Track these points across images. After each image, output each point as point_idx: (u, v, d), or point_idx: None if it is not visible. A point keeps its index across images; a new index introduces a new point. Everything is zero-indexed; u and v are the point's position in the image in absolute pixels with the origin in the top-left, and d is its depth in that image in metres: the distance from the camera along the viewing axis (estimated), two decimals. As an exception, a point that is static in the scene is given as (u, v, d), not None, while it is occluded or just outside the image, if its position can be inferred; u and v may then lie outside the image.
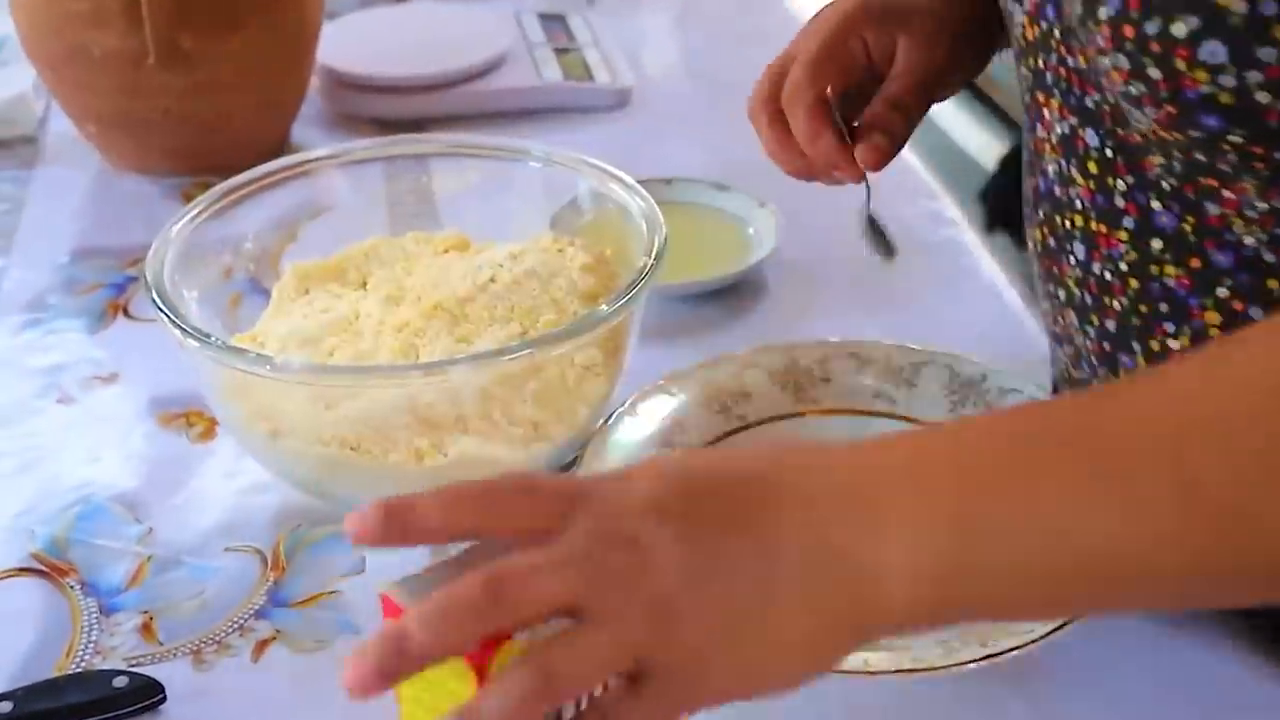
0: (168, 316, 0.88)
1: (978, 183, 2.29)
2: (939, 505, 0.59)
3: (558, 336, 0.87)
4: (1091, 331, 0.83)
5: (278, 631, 0.88)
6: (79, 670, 0.85)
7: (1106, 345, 0.82)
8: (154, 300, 0.89)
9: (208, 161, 1.31)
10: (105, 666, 0.85)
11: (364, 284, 1.03)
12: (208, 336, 0.86)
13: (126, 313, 1.17)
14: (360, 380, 0.88)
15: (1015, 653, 0.78)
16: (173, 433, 1.05)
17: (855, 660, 0.79)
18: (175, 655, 0.86)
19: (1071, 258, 0.82)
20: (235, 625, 0.88)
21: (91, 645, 0.87)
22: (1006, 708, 0.82)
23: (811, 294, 1.19)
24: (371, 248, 1.05)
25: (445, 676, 0.63)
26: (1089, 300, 0.82)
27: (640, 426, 0.95)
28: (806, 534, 0.59)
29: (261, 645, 0.87)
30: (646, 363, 0.99)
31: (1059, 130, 0.81)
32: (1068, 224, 0.82)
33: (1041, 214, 0.85)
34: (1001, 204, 1.35)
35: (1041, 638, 0.79)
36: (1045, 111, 0.82)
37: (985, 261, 1.24)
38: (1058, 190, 0.82)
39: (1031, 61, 0.82)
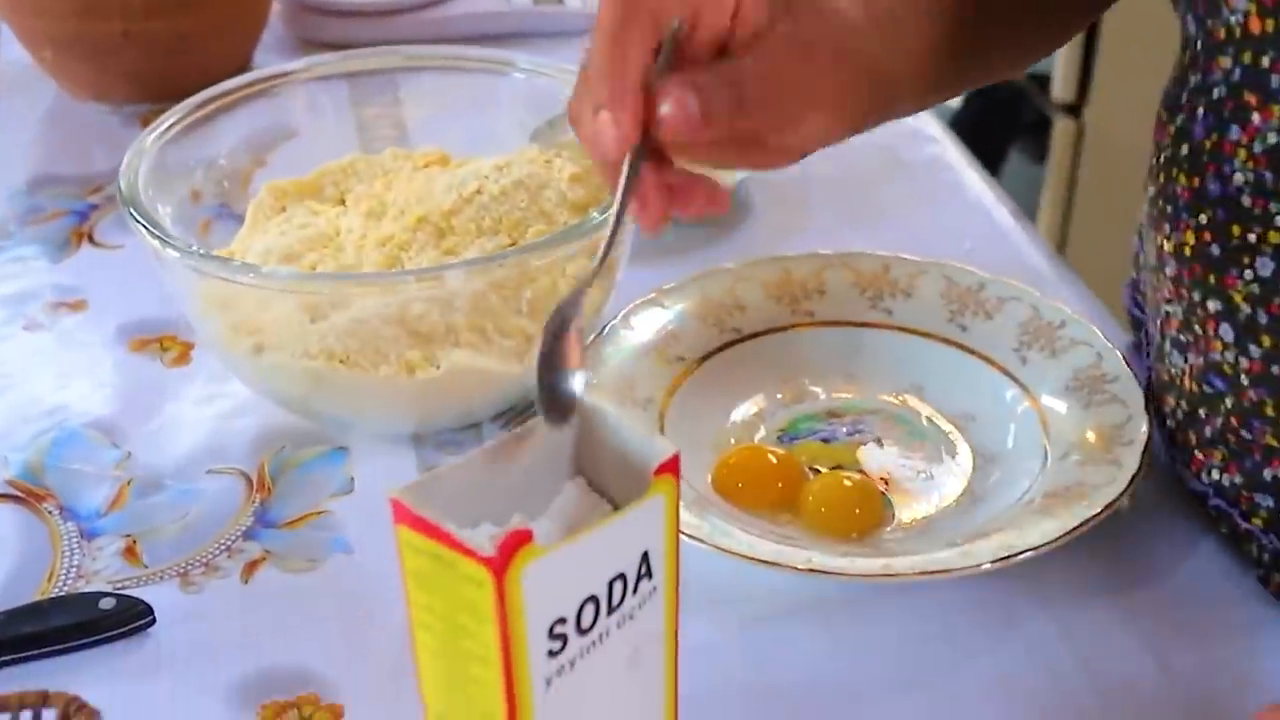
0: (145, 227, 0.84)
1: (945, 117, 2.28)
2: None
3: (551, 242, 0.84)
4: (1256, 350, 0.76)
5: (267, 552, 0.85)
6: (62, 594, 0.82)
7: (1276, 369, 0.76)
8: (130, 213, 0.86)
9: (167, 87, 1.26)
10: (90, 590, 0.82)
11: (342, 201, 1.00)
12: (189, 246, 0.83)
13: (91, 239, 1.14)
14: (350, 288, 0.85)
15: (1031, 554, 0.77)
16: (146, 358, 1.01)
17: (875, 564, 0.77)
18: (162, 578, 0.83)
19: (1248, 272, 0.74)
20: (223, 547, 0.85)
21: (74, 570, 0.83)
22: (1020, 612, 0.80)
23: (797, 213, 1.17)
24: (349, 164, 1.02)
25: (460, 582, 0.61)
26: (1263, 320, 0.75)
27: (634, 339, 0.93)
28: None
29: (251, 566, 0.84)
30: (634, 283, 0.96)
31: (1271, 139, 0.72)
32: (1251, 237, 0.74)
33: (1205, 218, 0.76)
34: (967, 135, 1.32)
35: (1057, 540, 0.77)
36: (1255, 115, 0.73)
37: (970, 177, 1.22)
38: (1246, 200, 0.74)
39: (1248, 57, 0.73)
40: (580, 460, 0.69)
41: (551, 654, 0.63)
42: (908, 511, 0.86)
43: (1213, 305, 0.77)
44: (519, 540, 0.59)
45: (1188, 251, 0.77)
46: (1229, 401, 0.78)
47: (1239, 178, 0.74)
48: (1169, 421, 0.85)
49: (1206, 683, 0.77)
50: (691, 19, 0.68)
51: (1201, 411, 0.81)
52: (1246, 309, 0.75)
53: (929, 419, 0.92)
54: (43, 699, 0.65)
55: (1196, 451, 0.82)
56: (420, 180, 0.96)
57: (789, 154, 0.75)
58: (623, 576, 0.65)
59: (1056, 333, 0.92)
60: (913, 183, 1.20)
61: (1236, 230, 0.74)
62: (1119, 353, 0.90)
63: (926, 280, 0.97)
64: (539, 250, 0.84)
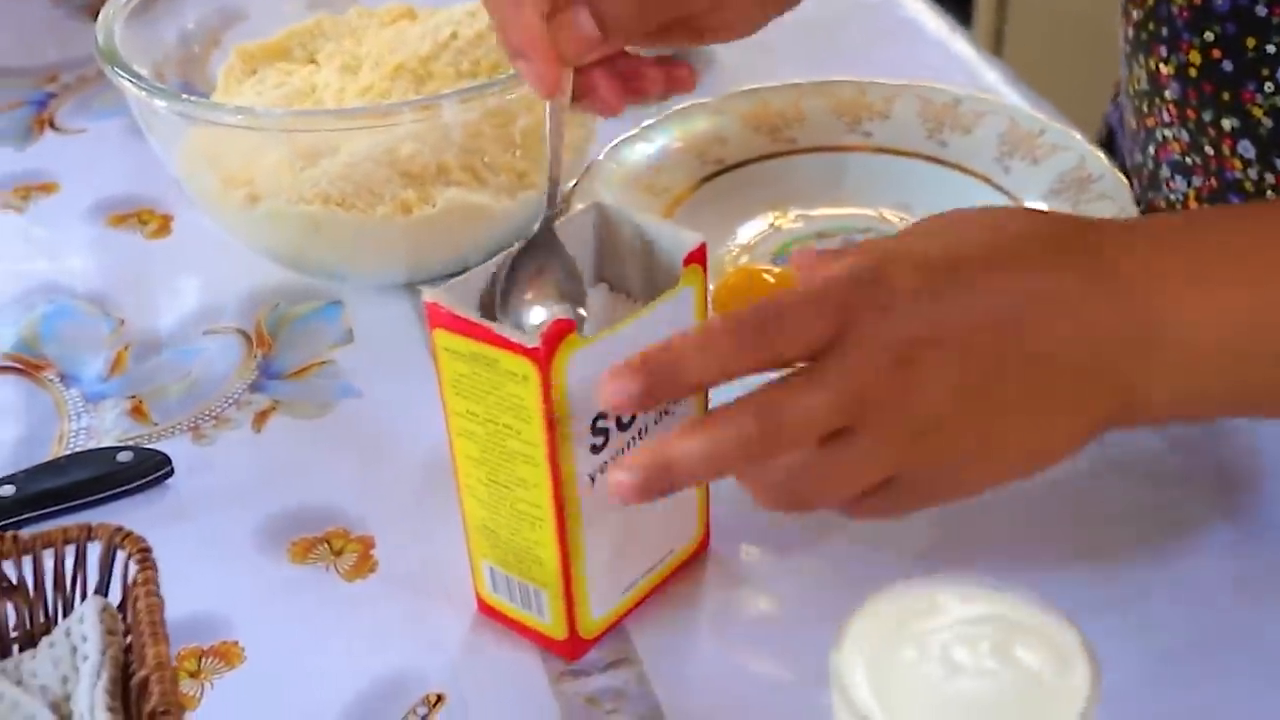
0: (130, 79, 0.83)
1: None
2: (1214, 312, 0.59)
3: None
4: None
5: (276, 402, 0.85)
6: (76, 451, 0.81)
7: None
8: (114, 71, 0.85)
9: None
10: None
11: (312, 60, 0.99)
12: (178, 95, 0.82)
13: (53, 125, 1.12)
14: (348, 124, 0.84)
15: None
16: (125, 232, 1.00)
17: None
18: (173, 432, 0.83)
19: (1268, 84, 0.74)
20: (230, 400, 0.85)
21: (83, 431, 0.83)
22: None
23: (759, 58, 1.16)
24: (315, 24, 1.01)
25: (503, 380, 0.61)
26: None
27: (620, 173, 0.93)
28: (1081, 348, 0.58)
29: (261, 415, 0.84)
30: (610, 125, 0.96)
31: None
32: (1270, 48, 0.74)
33: (1211, 35, 0.76)
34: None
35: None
36: None
37: (927, 15, 1.22)
38: (1260, 9, 0.74)
39: None
40: (601, 268, 0.70)
41: (594, 449, 0.64)
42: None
43: (1228, 123, 0.76)
44: (562, 329, 0.60)
45: (1193, 71, 0.77)
46: None
47: None
48: None
49: (1214, 452, 0.79)
50: None
51: None
52: (1269, 122, 0.75)
53: (919, 232, 0.93)
54: (87, 532, 0.65)
55: None
56: (391, 33, 0.96)
57: (735, 29, 0.74)
58: (660, 370, 0.65)
59: (1037, 140, 0.94)
60: (873, 22, 1.20)
61: (1252, 42, 0.74)
62: (1100, 153, 0.91)
63: (902, 101, 0.98)
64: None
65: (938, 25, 1.21)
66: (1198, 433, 0.80)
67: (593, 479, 0.64)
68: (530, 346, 0.60)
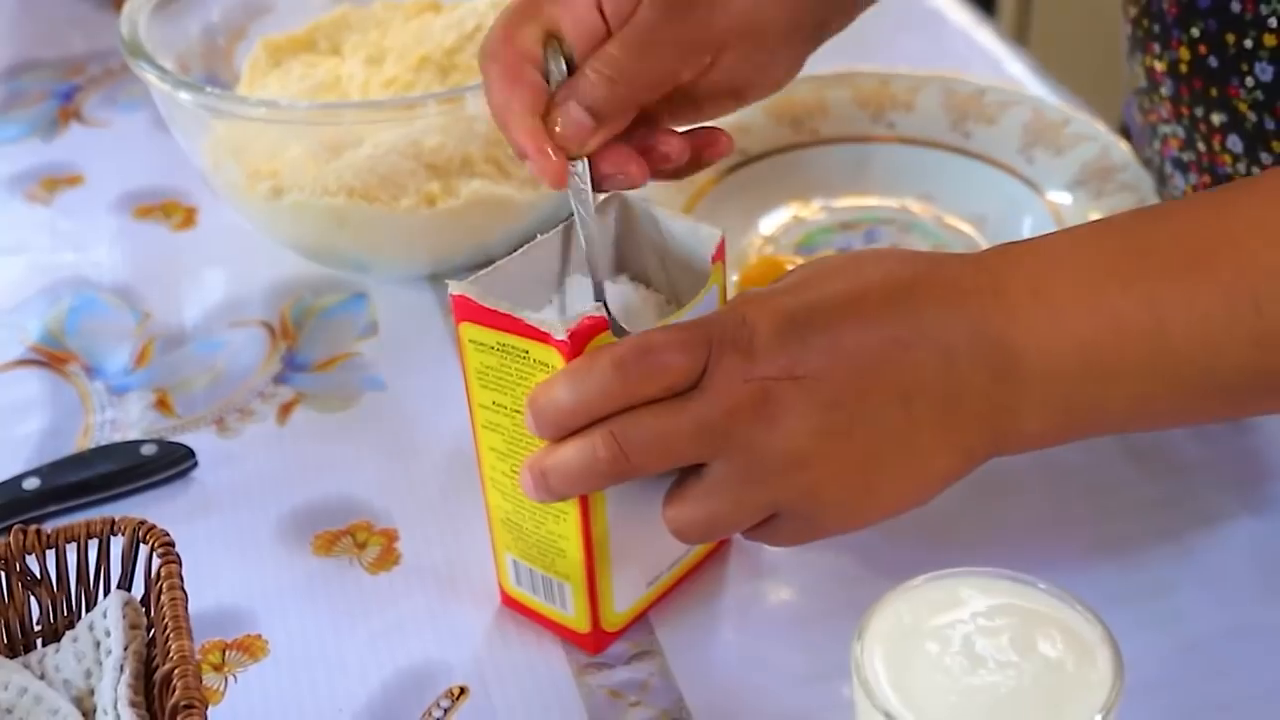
0: (155, 72, 0.83)
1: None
2: (1068, 334, 0.59)
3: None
4: (1268, 158, 0.76)
5: (300, 394, 0.85)
6: (101, 445, 0.81)
7: None
8: (140, 64, 0.85)
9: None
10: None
11: (336, 52, 0.99)
12: (202, 88, 0.82)
13: (79, 118, 1.13)
14: (373, 117, 0.84)
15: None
16: (151, 224, 1.01)
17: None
18: (198, 425, 0.83)
19: (1249, 79, 0.75)
20: (255, 392, 0.85)
21: (108, 424, 0.83)
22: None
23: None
24: (340, 17, 1.01)
25: (532, 370, 0.61)
26: (1271, 125, 0.75)
27: (644, 165, 0.93)
28: (943, 383, 0.59)
29: (286, 408, 0.84)
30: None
31: None
32: (1247, 43, 0.74)
33: (1197, 31, 0.76)
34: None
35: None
36: None
37: (951, 6, 1.22)
38: (1236, 6, 0.74)
39: None
40: (621, 259, 0.70)
41: (620, 441, 0.64)
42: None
43: (1217, 118, 0.76)
44: (593, 326, 0.60)
45: (1183, 68, 0.77)
46: None
47: None
48: None
49: (1236, 442, 0.78)
50: (559, 41, 0.67)
51: None
52: (1253, 116, 0.75)
53: (944, 223, 0.93)
54: (110, 526, 0.65)
55: None
56: (416, 25, 0.96)
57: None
58: (687, 366, 0.65)
59: (1061, 131, 0.93)
60: (897, 12, 1.19)
61: (1231, 39, 0.74)
62: (1123, 144, 0.91)
63: (926, 92, 0.98)
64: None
65: (961, 16, 1.20)
66: (1220, 425, 0.79)
67: (618, 471, 0.65)
68: (560, 338, 0.60)
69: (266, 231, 0.90)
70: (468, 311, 0.63)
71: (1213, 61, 0.74)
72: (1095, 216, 0.87)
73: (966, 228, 0.92)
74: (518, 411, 0.63)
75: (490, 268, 0.65)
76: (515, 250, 0.65)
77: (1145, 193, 0.86)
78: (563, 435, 0.60)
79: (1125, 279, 0.59)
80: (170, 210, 1.01)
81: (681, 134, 0.69)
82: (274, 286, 0.93)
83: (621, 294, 0.68)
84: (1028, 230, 0.90)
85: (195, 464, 0.80)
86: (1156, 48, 0.78)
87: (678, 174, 0.70)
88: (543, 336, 0.60)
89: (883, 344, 0.59)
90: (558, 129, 0.65)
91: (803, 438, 0.58)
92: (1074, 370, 0.59)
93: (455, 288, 0.63)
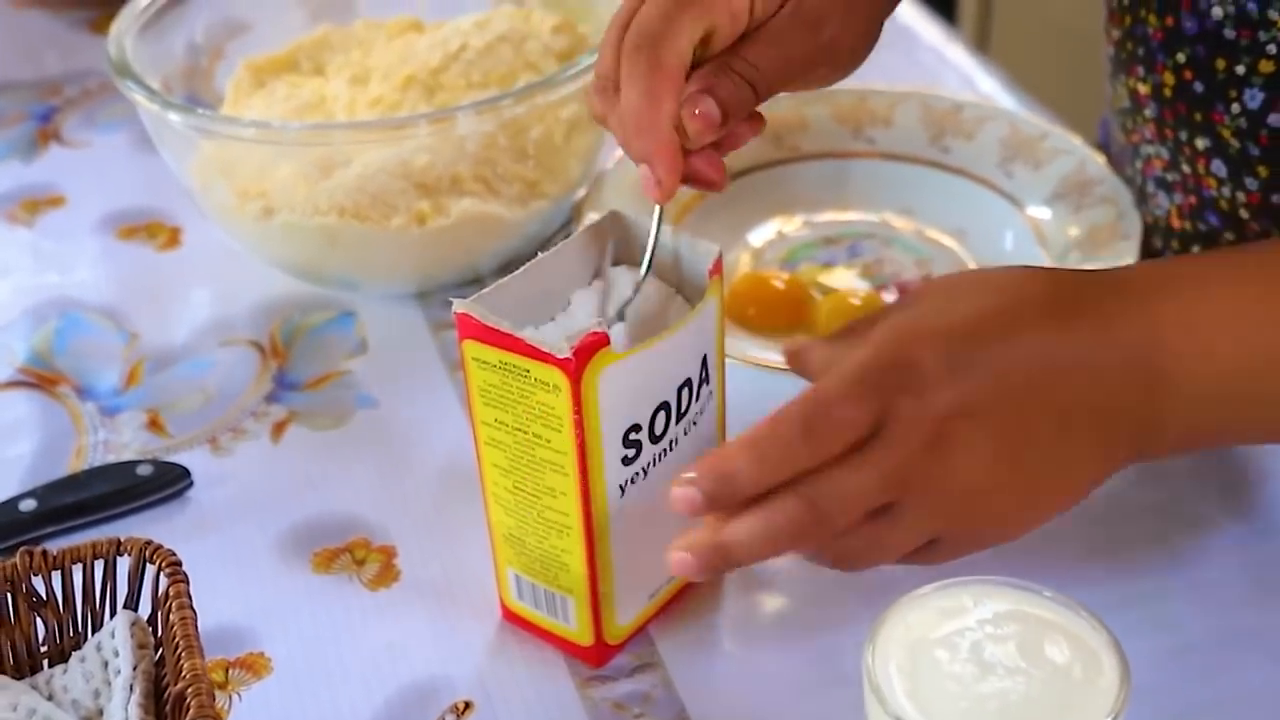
0: (144, 93, 0.84)
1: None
2: (1216, 364, 0.62)
3: (547, 84, 0.85)
4: (1253, 183, 0.77)
5: (293, 413, 0.85)
6: (95, 466, 0.82)
7: (1276, 197, 0.77)
8: (127, 84, 0.86)
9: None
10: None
11: (319, 72, 0.99)
12: (192, 109, 0.83)
13: (58, 138, 1.13)
14: (365, 137, 0.84)
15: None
16: (135, 245, 1.01)
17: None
18: (191, 445, 0.83)
19: (1235, 105, 0.75)
20: (247, 411, 0.85)
21: (101, 445, 0.84)
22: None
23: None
24: (321, 37, 1.01)
25: (534, 389, 0.62)
26: (1255, 151, 0.76)
27: (631, 181, 0.93)
28: (1097, 398, 0.61)
29: (279, 426, 0.84)
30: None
31: None
32: (1239, 69, 0.75)
33: (1183, 56, 0.77)
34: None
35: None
36: None
37: (922, 23, 1.23)
38: (1228, 32, 0.75)
39: None
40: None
41: (626, 461, 0.65)
42: (916, 323, 0.88)
43: (1201, 143, 0.78)
44: (595, 343, 0.61)
45: (1167, 92, 0.78)
46: (1230, 236, 0.80)
47: (1217, 11, 0.74)
48: None
49: (1221, 450, 0.80)
50: (709, 36, 0.67)
51: (1195, 249, 0.82)
52: (1236, 143, 0.76)
53: (925, 237, 0.94)
54: (116, 546, 0.65)
55: None
56: (400, 44, 0.97)
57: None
58: (689, 382, 0.66)
59: (1038, 145, 0.95)
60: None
61: (1221, 64, 0.75)
62: (1100, 158, 0.93)
63: (904, 108, 0.99)
64: (540, 89, 0.84)
65: (932, 33, 1.22)
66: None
67: (623, 489, 0.65)
68: (562, 357, 0.60)
69: (256, 251, 0.91)
70: (471, 330, 0.63)
71: (1198, 87, 0.76)
72: (1075, 230, 0.88)
73: (948, 241, 0.94)
74: (519, 429, 0.64)
75: (494, 285, 0.65)
76: (519, 266, 0.66)
77: (1124, 206, 0.88)
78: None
79: (1272, 310, 0.62)
80: (154, 231, 1.02)
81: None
82: (261, 305, 0.94)
83: (621, 280, 0.68)
84: (1010, 245, 0.91)
85: (191, 483, 0.80)
86: (1141, 70, 0.80)
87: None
88: (544, 356, 0.61)
89: (1043, 369, 0.60)
90: (689, 124, 0.64)
91: (979, 471, 0.60)
92: (1220, 395, 0.63)
93: (459, 306, 0.63)
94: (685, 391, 0.67)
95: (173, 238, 1.01)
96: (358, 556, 0.76)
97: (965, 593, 0.58)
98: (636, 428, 0.65)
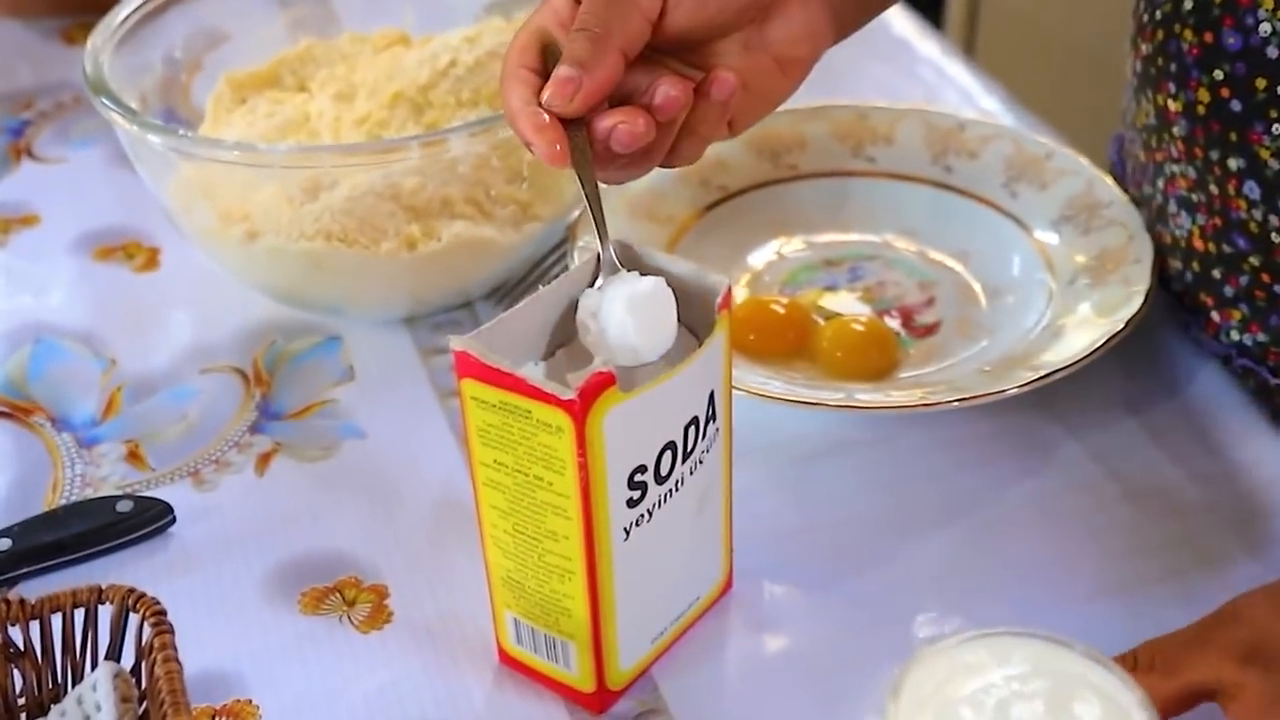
0: (122, 113, 0.81)
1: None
2: None
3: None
4: None
5: (278, 444, 0.82)
6: (74, 501, 0.78)
7: None
8: (103, 102, 0.82)
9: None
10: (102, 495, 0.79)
11: (303, 88, 0.96)
12: (173, 130, 0.80)
13: (31, 154, 1.09)
14: (352, 160, 0.81)
15: (1066, 372, 0.77)
16: (112, 267, 0.97)
17: (911, 396, 0.77)
18: (173, 479, 0.80)
19: (1276, 125, 0.73)
20: (230, 443, 0.82)
21: (79, 478, 0.80)
22: (1046, 437, 0.81)
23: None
24: (305, 51, 0.98)
25: (536, 430, 0.59)
26: None
27: (622, 202, 0.91)
28: None
29: (264, 459, 0.81)
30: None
31: None
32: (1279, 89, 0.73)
33: (1221, 74, 0.74)
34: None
35: (1088, 356, 0.78)
36: None
37: (916, 38, 1.21)
38: (1271, 51, 0.72)
39: None
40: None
41: (631, 503, 0.62)
42: (921, 350, 0.85)
43: (1234, 163, 0.75)
44: (601, 383, 0.58)
45: (1201, 109, 0.76)
46: (1256, 260, 0.77)
47: (1265, 28, 0.72)
48: (1175, 285, 0.84)
49: (1233, 483, 0.78)
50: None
51: (1217, 272, 0.80)
52: (1275, 164, 0.74)
53: (929, 259, 0.92)
54: (97, 594, 0.62)
55: (1213, 313, 0.81)
56: (387, 59, 0.94)
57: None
58: (696, 420, 0.64)
59: (1044, 164, 0.92)
60: (863, 43, 1.18)
61: (1262, 84, 0.73)
62: (1108, 179, 0.90)
63: (905, 125, 0.97)
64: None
65: (929, 46, 1.20)
66: (1218, 465, 0.79)
67: (627, 532, 0.63)
68: (566, 399, 0.58)
69: (238, 276, 0.88)
70: (470, 368, 0.60)
71: (1236, 105, 0.74)
72: (1082, 257, 0.86)
73: (952, 263, 0.91)
74: (520, 471, 0.61)
75: (493, 321, 0.63)
76: (510, 289, 0.63)
77: (1134, 229, 0.86)
78: None
79: None
80: (132, 251, 0.98)
81: (681, 79, 0.67)
82: (244, 330, 0.90)
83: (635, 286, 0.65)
84: (1016, 268, 0.89)
85: (173, 520, 0.77)
86: (1171, 87, 0.77)
87: (690, 126, 0.68)
88: (547, 397, 0.58)
89: None
90: (546, 95, 0.64)
91: None
92: None
93: (457, 343, 0.60)
94: (692, 430, 0.64)
95: (151, 259, 0.98)
96: (348, 597, 0.73)
97: (991, 646, 0.55)
98: (642, 469, 0.62)
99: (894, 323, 0.87)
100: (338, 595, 0.73)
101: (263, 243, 0.82)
